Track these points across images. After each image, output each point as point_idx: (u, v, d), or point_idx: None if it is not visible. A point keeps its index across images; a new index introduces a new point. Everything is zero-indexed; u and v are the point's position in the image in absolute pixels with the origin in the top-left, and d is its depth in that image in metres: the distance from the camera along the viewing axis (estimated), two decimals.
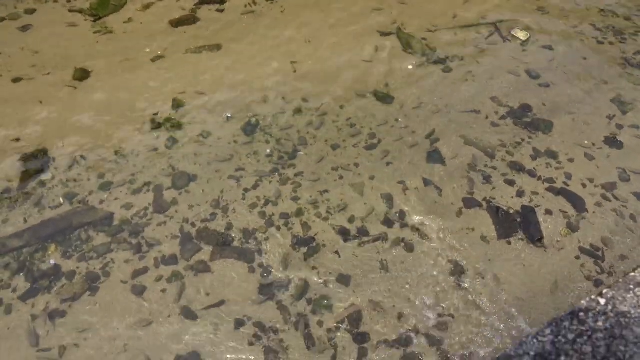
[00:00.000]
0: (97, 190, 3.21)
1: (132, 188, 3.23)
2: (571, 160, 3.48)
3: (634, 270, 2.64)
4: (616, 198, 3.25)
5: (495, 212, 3.15)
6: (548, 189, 3.29)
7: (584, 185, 3.32)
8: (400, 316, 2.66)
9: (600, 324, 2.33)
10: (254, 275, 2.82)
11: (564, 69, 4.25)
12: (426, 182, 3.31)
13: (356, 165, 3.41)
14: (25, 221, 3.02)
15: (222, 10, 4.79)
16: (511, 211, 3.16)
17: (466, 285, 2.80)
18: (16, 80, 3.97)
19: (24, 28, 4.48)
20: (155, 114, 3.72)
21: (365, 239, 3.01)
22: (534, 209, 3.17)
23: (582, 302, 2.46)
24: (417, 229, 3.05)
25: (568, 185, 3.32)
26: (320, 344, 2.56)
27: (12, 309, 2.65)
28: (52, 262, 2.84)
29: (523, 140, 3.61)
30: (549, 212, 3.16)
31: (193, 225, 3.05)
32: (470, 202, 3.20)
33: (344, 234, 3.02)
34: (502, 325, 2.63)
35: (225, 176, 3.32)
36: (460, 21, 4.74)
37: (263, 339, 2.57)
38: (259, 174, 3.34)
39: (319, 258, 2.91)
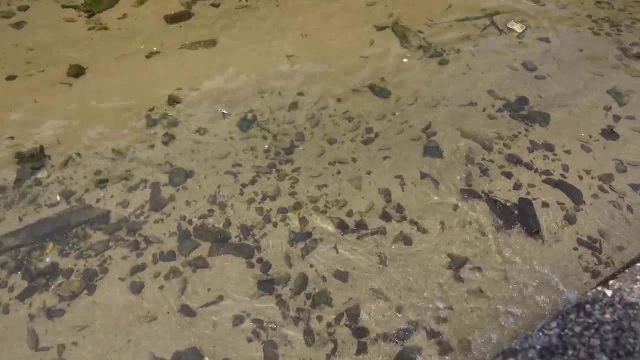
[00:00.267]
0: (94, 187, 3.20)
1: (129, 185, 3.22)
2: (568, 152, 3.48)
3: None
4: (613, 189, 3.25)
5: (493, 204, 3.15)
6: (545, 181, 3.30)
7: (581, 177, 3.33)
8: (399, 309, 2.67)
9: (607, 316, 2.27)
10: (253, 271, 2.82)
11: (560, 60, 4.24)
12: (423, 176, 3.30)
13: (353, 159, 3.40)
14: (21, 220, 3.01)
15: (217, 5, 4.76)
16: (508, 204, 3.16)
17: (464, 277, 2.80)
18: (10, 77, 3.94)
19: (18, 25, 4.45)
20: (151, 110, 3.70)
21: (363, 232, 3.01)
22: (531, 201, 3.17)
23: (588, 293, 2.40)
24: (415, 222, 3.05)
25: (565, 177, 3.32)
26: (319, 338, 2.56)
27: (9, 309, 2.64)
28: (48, 259, 2.83)
29: (520, 132, 3.61)
30: (546, 204, 3.17)
31: (190, 221, 3.04)
32: (468, 195, 3.20)
33: (342, 228, 3.02)
34: (501, 319, 2.64)
35: (222, 172, 3.31)
36: (456, 14, 4.72)
37: (262, 335, 2.57)
38: (256, 169, 3.33)
39: (317, 253, 2.91)
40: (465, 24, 4.62)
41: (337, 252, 2.92)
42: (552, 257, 2.90)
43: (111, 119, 3.64)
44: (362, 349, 2.53)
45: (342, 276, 2.80)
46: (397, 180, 3.28)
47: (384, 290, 2.75)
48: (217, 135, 3.55)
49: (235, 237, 2.98)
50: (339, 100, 3.82)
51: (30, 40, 4.29)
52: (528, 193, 3.23)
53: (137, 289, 2.74)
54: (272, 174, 3.30)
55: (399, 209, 3.12)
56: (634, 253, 2.92)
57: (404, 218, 3.08)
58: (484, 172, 3.34)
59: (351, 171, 3.33)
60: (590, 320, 2.26)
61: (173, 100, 3.78)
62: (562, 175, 3.34)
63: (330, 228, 3.03)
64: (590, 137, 3.60)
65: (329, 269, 2.84)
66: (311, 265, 2.85)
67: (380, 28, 4.52)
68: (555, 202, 3.18)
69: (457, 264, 2.86)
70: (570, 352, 2.14)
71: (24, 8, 4.62)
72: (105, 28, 4.46)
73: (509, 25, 4.59)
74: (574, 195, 3.22)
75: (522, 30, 4.53)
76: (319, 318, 2.64)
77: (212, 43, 4.32)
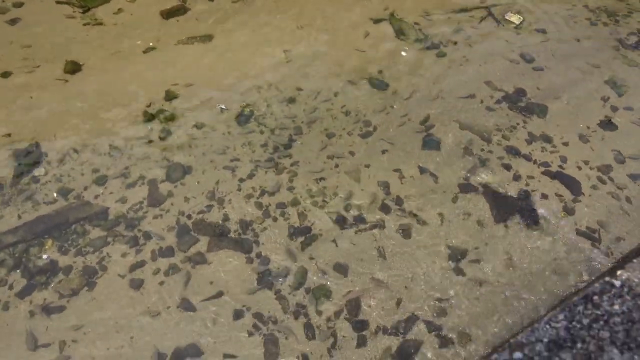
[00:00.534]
0: (92, 184, 3.19)
1: (127, 182, 3.21)
2: (566, 144, 3.48)
3: None
4: (611, 180, 3.26)
5: (492, 196, 3.15)
6: (544, 173, 3.29)
7: (579, 168, 3.33)
8: (399, 302, 2.67)
9: (616, 307, 2.22)
10: (252, 266, 2.82)
11: (557, 52, 4.23)
12: (422, 169, 3.30)
13: (352, 153, 3.40)
14: (20, 217, 3.00)
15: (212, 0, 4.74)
16: (507, 195, 3.16)
17: (464, 269, 2.80)
18: (6, 74, 3.91)
19: (12, 21, 4.42)
20: (148, 106, 3.69)
21: (362, 226, 3.00)
22: (530, 193, 3.17)
23: (596, 284, 2.34)
24: (415, 215, 3.05)
25: (563, 169, 3.32)
26: (319, 332, 2.57)
27: (9, 306, 2.64)
28: (47, 256, 2.83)
29: (518, 124, 3.61)
30: (545, 195, 3.17)
31: (189, 217, 3.04)
32: (466, 187, 3.20)
33: (341, 221, 3.02)
34: (503, 309, 2.64)
35: (220, 167, 3.30)
36: (453, 6, 4.70)
37: (262, 329, 2.57)
38: (255, 164, 3.32)
39: (316, 247, 2.91)
40: (462, 15, 4.60)
41: (337, 245, 2.91)
42: (551, 248, 2.91)
43: (108, 115, 3.62)
44: (362, 342, 2.53)
45: (341, 270, 2.80)
46: (396, 174, 3.27)
47: (384, 283, 2.75)
48: (214, 130, 3.54)
49: (234, 232, 2.97)
50: (336, 93, 3.81)
51: (26, 37, 4.26)
52: (527, 184, 3.23)
53: (137, 285, 2.74)
54: (270, 168, 3.30)
55: (398, 201, 3.12)
56: (633, 243, 2.93)
57: (403, 211, 3.08)
58: (483, 164, 3.34)
59: (350, 165, 3.33)
60: (599, 312, 2.22)
61: (170, 96, 3.77)
62: (560, 166, 3.33)
63: (329, 222, 3.02)
64: (589, 128, 3.59)
65: (328, 263, 2.84)
66: (311, 259, 2.85)
67: (377, 21, 4.50)
68: (554, 193, 3.18)
69: (457, 256, 2.86)
70: (579, 345, 2.10)
71: (19, 4, 4.59)
72: (101, 24, 4.43)
73: (506, 17, 4.57)
74: (573, 186, 3.22)
75: (519, 22, 4.52)
76: (319, 312, 2.64)
77: (209, 38, 4.30)
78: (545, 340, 2.14)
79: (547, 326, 2.20)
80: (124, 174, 3.25)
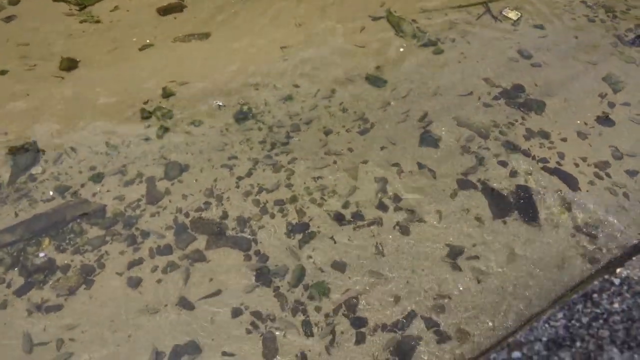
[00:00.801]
0: (89, 182, 3.18)
1: (124, 179, 3.20)
2: (564, 140, 3.48)
3: None
4: (609, 176, 3.26)
5: (490, 192, 3.15)
6: (542, 169, 3.29)
7: (577, 165, 3.33)
8: (397, 299, 2.67)
9: (616, 305, 2.20)
10: (250, 263, 2.82)
11: (555, 48, 4.23)
12: (420, 165, 3.30)
13: (350, 150, 3.39)
14: (17, 215, 2.99)
15: None
16: (505, 191, 3.16)
17: (462, 266, 2.81)
18: (2, 72, 3.89)
19: (8, 19, 4.39)
20: (145, 103, 3.68)
21: (360, 223, 3.00)
22: (528, 189, 3.17)
23: (595, 282, 2.33)
24: (412, 212, 3.05)
25: (561, 165, 3.32)
26: (318, 329, 2.57)
27: (7, 305, 2.63)
28: (45, 255, 2.82)
29: (516, 120, 3.61)
30: (543, 191, 3.17)
31: (187, 215, 3.03)
32: (464, 184, 3.20)
33: (339, 219, 3.02)
34: (501, 306, 2.65)
35: (218, 165, 3.30)
36: (451, 2, 4.69)
37: (261, 327, 2.57)
38: (252, 161, 3.31)
39: (314, 244, 2.91)
40: (460, 12, 4.59)
41: (335, 242, 2.91)
42: (549, 244, 2.91)
43: (105, 113, 3.61)
44: (360, 339, 2.53)
45: (340, 267, 2.80)
46: (394, 170, 3.27)
47: (382, 280, 2.75)
48: (212, 127, 3.53)
49: (232, 229, 2.97)
50: (334, 90, 3.80)
51: (22, 34, 4.24)
52: (525, 181, 3.23)
53: (135, 283, 2.73)
54: (268, 166, 3.29)
55: (396, 198, 3.12)
56: (631, 239, 2.93)
57: (400, 208, 3.07)
58: (481, 160, 3.34)
59: (348, 161, 3.32)
60: (598, 311, 2.20)
61: (167, 93, 3.75)
62: (558, 162, 3.34)
63: (328, 219, 3.02)
64: (586, 124, 3.59)
65: (326, 260, 2.84)
66: (309, 257, 2.85)
67: (375, 18, 4.49)
68: (552, 189, 3.19)
69: (455, 252, 2.86)
70: (578, 344, 2.08)
71: (15, 2, 4.56)
72: (98, 21, 4.41)
73: (504, 13, 4.57)
74: (571, 182, 3.22)
75: (517, 18, 4.51)
76: (317, 309, 2.64)
77: (206, 35, 4.29)
78: (544, 339, 2.13)
79: (546, 325, 2.19)
80: (122, 171, 3.24)
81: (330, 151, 3.38)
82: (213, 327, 2.57)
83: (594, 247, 2.91)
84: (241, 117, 3.59)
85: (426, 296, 2.69)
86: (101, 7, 4.56)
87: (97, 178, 3.20)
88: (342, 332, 2.56)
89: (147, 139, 3.44)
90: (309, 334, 2.55)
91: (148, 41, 4.21)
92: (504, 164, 3.32)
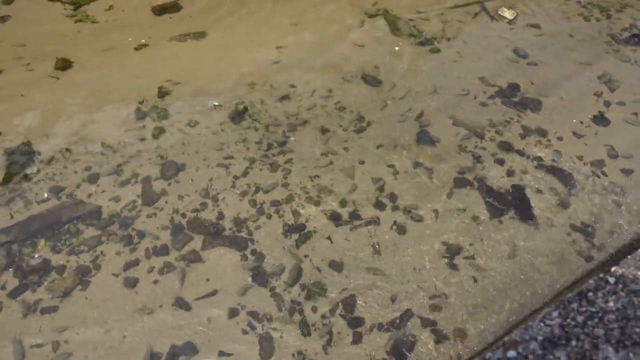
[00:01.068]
0: (84, 183, 3.17)
1: (120, 180, 3.19)
2: (560, 139, 3.48)
3: None
4: (605, 175, 3.27)
5: (487, 191, 3.15)
6: (538, 167, 3.30)
7: (573, 163, 3.33)
8: (394, 299, 2.67)
9: (611, 304, 2.20)
10: (247, 263, 2.81)
11: (551, 47, 4.23)
12: (417, 164, 3.30)
13: (346, 149, 3.39)
14: (12, 217, 2.97)
15: None
16: (502, 190, 3.16)
17: (459, 265, 2.81)
18: None
19: (2, 19, 4.37)
20: (141, 103, 3.66)
21: (357, 222, 3.00)
22: (524, 188, 3.18)
23: (590, 281, 2.32)
24: (409, 211, 3.05)
25: (557, 163, 3.33)
26: (315, 329, 2.56)
27: (2, 306, 2.61)
28: (40, 256, 2.80)
29: (512, 119, 3.61)
30: (539, 190, 3.17)
31: (183, 215, 3.02)
32: (461, 183, 3.20)
33: (336, 218, 3.01)
34: (498, 305, 2.65)
35: (214, 164, 3.29)
36: (447, 1, 4.69)
37: (257, 327, 2.56)
38: (249, 161, 3.31)
39: (311, 244, 2.90)
40: (456, 11, 4.59)
41: (332, 242, 2.91)
42: (545, 242, 2.92)
43: (100, 113, 3.59)
44: (357, 339, 2.53)
45: (336, 266, 2.80)
46: (390, 169, 3.27)
47: (379, 280, 2.75)
48: (208, 127, 3.52)
49: (229, 229, 2.96)
50: (330, 90, 3.80)
51: (16, 34, 4.22)
52: (521, 179, 3.23)
53: (131, 284, 2.72)
54: (264, 165, 3.29)
55: (393, 198, 3.12)
56: (626, 238, 2.94)
57: (397, 207, 3.07)
58: (477, 159, 3.34)
59: (344, 161, 3.32)
60: (594, 309, 2.20)
61: (163, 93, 3.74)
62: (554, 161, 3.34)
63: (324, 218, 3.02)
64: (582, 123, 3.60)
65: (323, 260, 2.83)
66: (305, 256, 2.85)
67: (371, 16, 4.49)
68: (548, 188, 3.19)
69: (452, 252, 2.86)
70: (573, 342, 2.08)
71: (9, 1, 4.54)
72: (92, 20, 4.39)
73: (499, 12, 4.57)
74: (567, 180, 3.23)
75: (513, 17, 4.52)
76: (314, 309, 2.64)
77: (202, 34, 4.27)
78: (540, 338, 2.13)
79: (542, 324, 2.19)
80: (117, 172, 3.23)
81: (327, 151, 3.38)
82: (210, 327, 2.56)
83: (590, 245, 2.92)
84: (237, 116, 3.59)
85: (423, 295, 2.69)
86: (96, 6, 4.54)
87: (93, 178, 3.19)
88: (339, 332, 2.56)
89: (142, 139, 3.43)
90: (305, 334, 2.55)
91: (143, 41, 4.19)
92: (500, 162, 3.32)
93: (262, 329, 2.56)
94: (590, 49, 4.22)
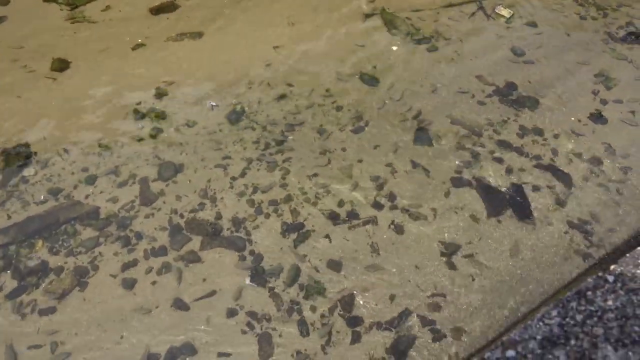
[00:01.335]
0: (82, 184, 3.16)
1: (118, 181, 3.18)
2: (557, 137, 3.49)
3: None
4: (603, 172, 3.27)
5: (484, 190, 3.16)
6: (535, 166, 3.30)
7: (571, 161, 3.34)
8: (393, 298, 2.67)
9: (610, 303, 2.19)
10: (245, 263, 2.81)
11: (548, 45, 4.24)
12: (414, 164, 3.30)
13: (344, 149, 3.39)
14: (9, 218, 2.97)
15: None
16: (500, 189, 3.17)
17: (457, 264, 2.81)
18: None
19: None
20: (139, 104, 3.65)
21: (355, 222, 3.00)
22: (522, 186, 3.18)
23: (589, 279, 2.32)
24: (407, 210, 3.05)
25: (555, 162, 3.33)
26: (314, 329, 2.56)
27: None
28: (38, 257, 2.80)
29: (509, 118, 3.61)
30: (536, 188, 3.18)
31: (181, 216, 3.02)
32: (459, 182, 3.20)
33: (334, 218, 3.01)
34: (496, 303, 2.65)
35: (212, 165, 3.28)
36: (444, 0, 4.69)
37: (256, 327, 2.56)
38: (246, 161, 3.30)
39: (309, 243, 2.90)
40: (453, 10, 4.59)
41: (330, 242, 2.91)
42: (543, 241, 2.92)
43: (97, 113, 3.58)
44: (356, 338, 2.53)
45: (335, 266, 2.80)
46: (388, 169, 3.27)
47: (377, 279, 2.75)
48: (205, 127, 3.52)
49: (227, 230, 2.96)
50: (328, 89, 3.79)
51: (12, 35, 4.21)
52: (519, 178, 3.24)
53: (130, 284, 2.72)
54: (262, 165, 3.28)
55: (391, 197, 3.12)
56: (624, 235, 2.94)
57: (395, 206, 3.07)
58: (475, 158, 3.34)
59: (342, 160, 3.32)
60: (593, 308, 2.20)
61: (160, 93, 3.74)
62: (552, 159, 3.35)
63: (323, 218, 3.02)
64: (579, 121, 3.61)
65: (321, 260, 2.83)
66: (304, 256, 2.84)
67: (368, 15, 4.48)
68: (546, 186, 3.20)
69: (449, 251, 2.87)
70: (572, 342, 2.07)
71: (5, 2, 4.53)
72: (89, 21, 4.38)
73: (497, 11, 4.58)
74: (564, 178, 3.23)
75: (510, 16, 4.52)
76: (313, 308, 2.64)
77: (199, 34, 4.27)
78: (539, 337, 2.12)
79: (540, 323, 2.18)
80: (115, 172, 3.22)
81: (325, 150, 3.38)
82: (208, 327, 2.56)
83: (588, 243, 2.92)
84: (235, 116, 3.58)
85: (422, 294, 2.69)
86: (93, 7, 4.53)
87: (90, 179, 3.18)
88: (337, 332, 2.56)
89: (140, 140, 3.42)
90: (304, 333, 2.55)
91: (140, 41, 4.19)
92: (498, 161, 3.32)
93: (261, 329, 2.56)
94: (587, 47, 4.23)
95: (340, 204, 3.09)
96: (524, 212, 3.04)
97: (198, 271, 2.78)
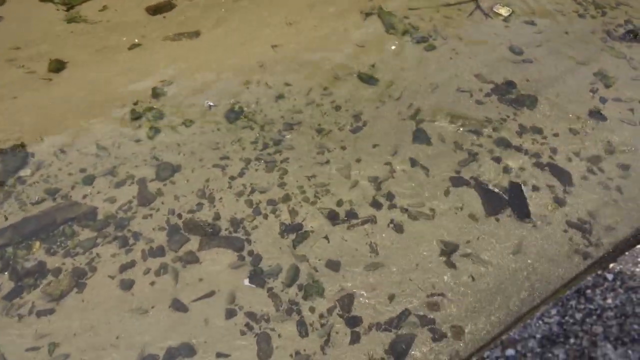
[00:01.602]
0: (79, 184, 3.14)
1: (115, 181, 3.17)
2: (556, 135, 3.48)
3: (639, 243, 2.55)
4: (601, 171, 3.27)
5: (483, 189, 3.15)
6: (534, 164, 3.30)
7: (570, 160, 3.33)
8: (392, 298, 2.66)
9: (609, 301, 2.18)
10: (244, 264, 2.80)
11: (546, 44, 4.23)
12: (413, 163, 3.29)
13: (342, 148, 3.38)
14: (6, 219, 2.95)
15: None
16: (498, 188, 3.16)
17: (456, 263, 2.80)
18: None
19: None
20: (136, 104, 3.64)
21: (354, 221, 2.99)
22: (521, 185, 3.17)
23: (588, 278, 2.31)
24: (406, 210, 3.04)
25: (554, 160, 3.33)
26: (312, 329, 2.55)
27: None
28: (34, 258, 2.78)
29: (508, 116, 3.61)
30: (535, 187, 3.17)
31: (179, 216, 3.01)
32: (457, 181, 3.20)
33: (333, 218, 3.00)
34: (495, 303, 2.65)
35: (210, 165, 3.27)
36: None
37: (255, 328, 2.55)
38: (245, 161, 3.29)
39: (308, 243, 2.89)
40: (451, 8, 4.58)
41: (329, 242, 2.90)
42: (542, 240, 2.92)
43: (94, 114, 3.57)
44: (355, 339, 2.52)
45: (333, 266, 2.79)
46: (387, 168, 3.26)
47: (376, 279, 2.74)
48: (203, 127, 3.50)
49: (226, 230, 2.95)
50: (326, 88, 3.78)
51: (9, 36, 4.19)
52: (518, 176, 3.23)
53: (128, 285, 2.70)
54: (260, 165, 3.27)
55: (389, 196, 3.11)
56: (624, 233, 2.94)
57: (394, 206, 3.06)
58: (474, 157, 3.33)
59: (340, 160, 3.31)
60: (592, 307, 2.19)
61: (157, 93, 3.72)
62: (551, 157, 3.34)
63: (321, 218, 3.01)
64: (578, 119, 3.60)
65: (320, 259, 2.82)
66: (303, 256, 2.83)
67: (366, 14, 4.48)
68: (545, 184, 3.19)
69: (449, 250, 2.86)
70: (572, 340, 2.06)
71: (1, 3, 4.51)
72: (86, 21, 4.36)
73: (495, 9, 4.57)
74: (563, 177, 3.23)
75: (508, 14, 4.51)
76: (312, 309, 2.63)
77: (196, 34, 4.25)
78: (538, 336, 2.11)
79: (540, 322, 2.17)
80: (112, 173, 3.21)
81: (323, 150, 3.36)
82: (207, 328, 2.55)
83: (587, 242, 2.92)
84: (232, 116, 3.57)
85: (421, 294, 2.68)
86: (89, 7, 4.51)
87: (88, 180, 3.16)
88: (336, 332, 2.55)
89: (137, 140, 3.41)
90: (303, 334, 2.54)
91: (137, 41, 4.17)
92: (496, 160, 3.32)
93: (260, 330, 2.55)
94: (586, 45, 4.22)
95: (339, 203, 3.08)
96: (522, 211, 3.04)
97: (196, 272, 2.77)
